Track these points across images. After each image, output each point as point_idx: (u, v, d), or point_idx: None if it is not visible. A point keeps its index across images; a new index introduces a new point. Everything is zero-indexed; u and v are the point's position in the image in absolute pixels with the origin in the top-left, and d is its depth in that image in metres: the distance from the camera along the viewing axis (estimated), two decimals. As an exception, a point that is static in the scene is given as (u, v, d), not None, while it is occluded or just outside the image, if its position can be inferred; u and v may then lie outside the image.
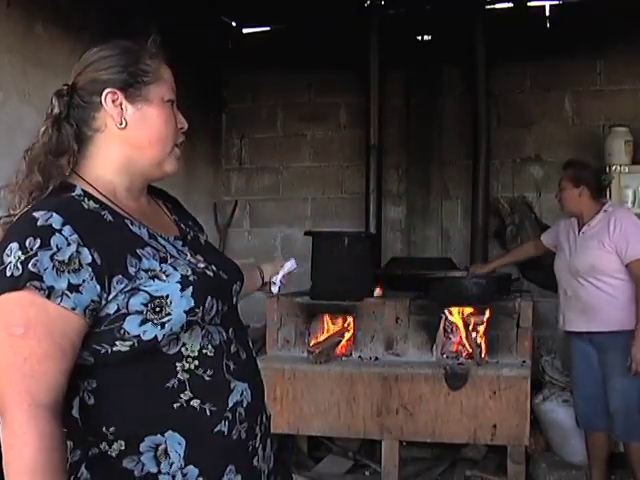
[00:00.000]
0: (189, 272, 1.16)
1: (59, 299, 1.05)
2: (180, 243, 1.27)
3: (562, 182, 3.44)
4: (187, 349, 1.15)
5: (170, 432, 1.12)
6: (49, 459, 1.02)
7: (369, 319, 3.97)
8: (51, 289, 1.04)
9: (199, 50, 4.90)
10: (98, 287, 1.07)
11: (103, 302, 1.09)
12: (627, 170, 4.35)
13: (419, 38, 5.16)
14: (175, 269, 1.15)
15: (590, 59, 4.90)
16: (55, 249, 1.05)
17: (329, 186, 5.47)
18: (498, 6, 5.03)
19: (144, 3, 4.31)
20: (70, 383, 1.09)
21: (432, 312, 3.90)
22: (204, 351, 1.17)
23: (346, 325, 4.05)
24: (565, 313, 3.48)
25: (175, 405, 1.13)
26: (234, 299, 1.30)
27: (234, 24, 5.47)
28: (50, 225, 1.07)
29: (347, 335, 4.03)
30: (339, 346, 4.01)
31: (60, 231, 1.07)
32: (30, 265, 1.04)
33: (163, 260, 1.16)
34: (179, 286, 1.13)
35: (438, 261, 4.87)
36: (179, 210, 1.41)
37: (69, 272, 1.05)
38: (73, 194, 1.16)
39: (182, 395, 1.14)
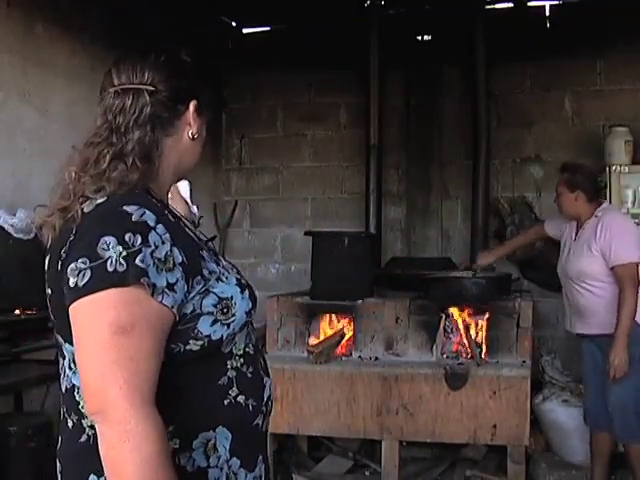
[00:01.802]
0: (238, 275, 1.21)
1: (160, 296, 1.04)
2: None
3: (558, 187, 3.46)
4: (236, 348, 1.19)
5: (220, 427, 1.16)
6: (167, 451, 1.04)
7: (369, 319, 3.97)
8: (154, 286, 1.04)
9: (199, 50, 4.90)
10: (186, 287, 1.09)
11: (185, 301, 1.10)
12: (627, 170, 4.35)
13: (419, 38, 5.16)
14: (228, 272, 1.18)
15: (590, 59, 4.91)
16: (153, 247, 1.05)
17: (329, 186, 5.47)
18: (498, 6, 5.03)
19: (144, 3, 4.31)
20: None
21: (432, 312, 3.90)
22: (247, 349, 1.22)
23: (346, 325, 4.06)
24: (569, 315, 3.52)
25: (225, 401, 1.17)
26: None
27: (234, 24, 5.47)
28: (145, 222, 1.06)
29: (347, 335, 4.03)
30: (339, 346, 4.01)
31: (155, 229, 1.06)
32: (138, 261, 1.02)
33: (217, 263, 1.18)
34: (238, 289, 1.17)
35: (438, 261, 4.87)
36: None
37: (166, 270, 1.05)
38: (140, 191, 1.15)
39: (230, 392, 1.17)
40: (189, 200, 1.82)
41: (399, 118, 5.25)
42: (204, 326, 1.11)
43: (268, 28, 5.49)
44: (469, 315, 3.91)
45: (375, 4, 4.99)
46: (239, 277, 1.20)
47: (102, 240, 1.03)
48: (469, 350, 3.80)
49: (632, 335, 3.17)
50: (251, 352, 1.23)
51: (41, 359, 3.16)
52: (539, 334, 4.58)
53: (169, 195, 1.30)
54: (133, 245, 1.03)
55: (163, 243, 1.06)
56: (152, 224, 1.06)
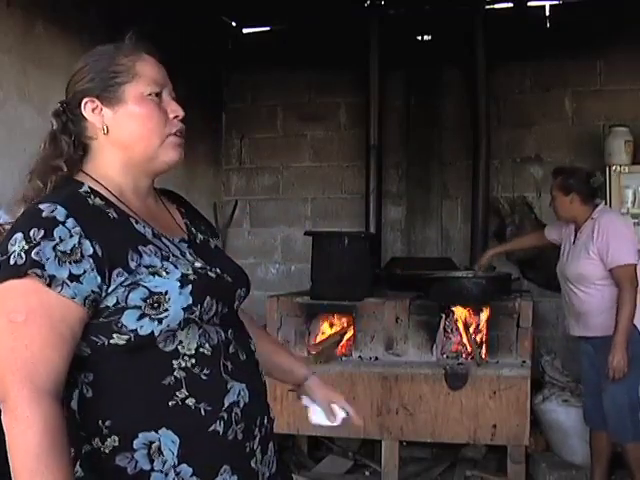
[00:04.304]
0: (190, 271, 1.18)
1: (59, 288, 1.08)
2: (185, 245, 1.28)
3: (553, 191, 3.48)
4: (184, 347, 1.16)
5: (164, 429, 1.13)
6: (53, 442, 1.04)
7: (369, 319, 3.97)
8: (52, 278, 1.07)
9: (199, 50, 4.91)
10: (99, 278, 1.10)
11: (103, 294, 1.11)
12: (627, 170, 4.34)
13: (419, 38, 5.16)
14: (176, 267, 1.17)
15: (590, 59, 4.90)
16: (58, 240, 1.08)
17: (329, 186, 5.47)
18: (498, 6, 5.03)
19: (144, 3, 4.31)
20: (70, 376, 1.12)
21: (432, 312, 3.90)
22: (201, 350, 1.17)
23: (346, 325, 4.06)
24: (567, 317, 3.54)
25: (170, 403, 1.14)
26: (236, 302, 1.30)
27: (234, 24, 5.47)
28: (54, 217, 1.10)
29: (347, 335, 4.04)
30: (339, 346, 4.01)
31: (64, 223, 1.10)
32: (33, 254, 1.07)
33: (165, 258, 1.18)
34: (178, 283, 1.14)
35: (438, 261, 4.87)
36: (193, 214, 1.42)
37: (70, 262, 1.08)
38: (80, 190, 1.20)
39: (178, 393, 1.14)
40: (317, 417, 1.58)
41: (399, 118, 5.24)
42: (129, 320, 1.11)
43: (268, 28, 5.48)
44: (469, 315, 3.91)
45: (375, 4, 4.99)
46: (189, 273, 1.17)
47: (14, 237, 1.09)
48: (469, 350, 3.81)
49: (630, 336, 3.19)
50: (207, 353, 1.18)
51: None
52: (539, 334, 4.58)
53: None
54: (35, 239, 1.08)
55: (71, 236, 1.09)
56: (61, 219, 1.10)
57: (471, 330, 3.86)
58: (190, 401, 1.15)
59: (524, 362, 3.74)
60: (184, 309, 1.13)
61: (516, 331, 3.80)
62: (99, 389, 1.14)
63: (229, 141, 5.68)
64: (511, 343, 3.80)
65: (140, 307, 1.11)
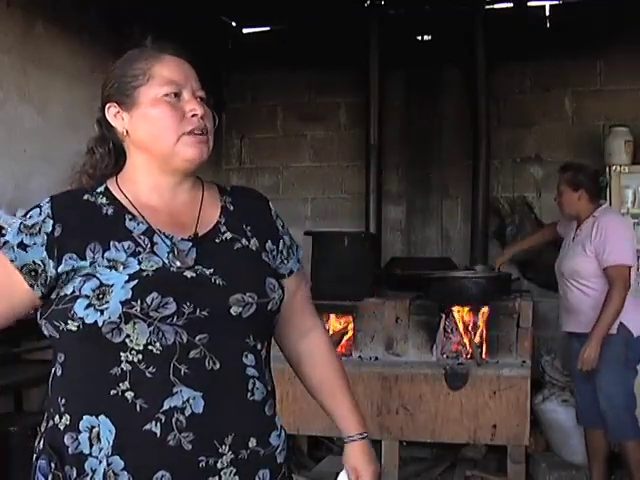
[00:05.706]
0: (151, 268, 1.19)
1: (6, 250, 1.22)
2: (188, 244, 1.26)
3: (560, 186, 3.47)
4: (132, 341, 1.16)
5: (103, 417, 1.17)
6: None
7: (369, 319, 3.98)
8: (6, 242, 1.23)
9: (199, 50, 4.91)
10: (44, 253, 1.21)
11: (49, 270, 1.20)
12: (627, 170, 4.34)
13: (419, 38, 5.16)
14: (139, 263, 1.20)
15: (590, 59, 4.90)
16: (28, 217, 1.24)
17: (329, 186, 5.47)
18: (498, 6, 5.03)
19: (144, 3, 4.31)
20: (53, 356, 1.25)
21: (432, 312, 3.90)
22: (150, 347, 1.16)
23: (346, 325, 4.06)
24: (561, 312, 3.54)
25: (112, 392, 1.17)
26: (235, 308, 1.22)
27: (234, 24, 5.47)
28: (41, 205, 1.25)
29: (347, 335, 4.04)
30: (339, 346, 4.01)
31: (41, 207, 1.25)
32: (9, 228, 1.26)
33: (134, 254, 1.21)
34: (126, 278, 1.17)
35: (438, 261, 4.87)
36: (244, 215, 1.38)
37: (26, 234, 1.22)
38: (89, 189, 1.31)
39: (121, 384, 1.17)
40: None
41: (399, 118, 5.25)
42: (79, 308, 1.16)
43: (268, 28, 5.48)
44: (469, 315, 3.91)
45: (375, 4, 4.99)
46: (146, 269, 1.18)
47: None
48: (469, 350, 3.81)
49: (620, 336, 3.21)
50: (156, 352, 1.16)
51: (41, 359, 3.16)
52: (539, 334, 4.58)
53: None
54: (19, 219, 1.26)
55: (39, 215, 1.23)
56: (42, 204, 1.25)
57: (471, 330, 3.86)
58: (129, 394, 1.16)
59: (524, 362, 3.74)
60: (122, 303, 1.15)
61: (516, 331, 3.80)
62: (64, 369, 1.23)
63: (229, 141, 5.68)
64: (511, 343, 3.80)
65: (89, 297, 1.16)
